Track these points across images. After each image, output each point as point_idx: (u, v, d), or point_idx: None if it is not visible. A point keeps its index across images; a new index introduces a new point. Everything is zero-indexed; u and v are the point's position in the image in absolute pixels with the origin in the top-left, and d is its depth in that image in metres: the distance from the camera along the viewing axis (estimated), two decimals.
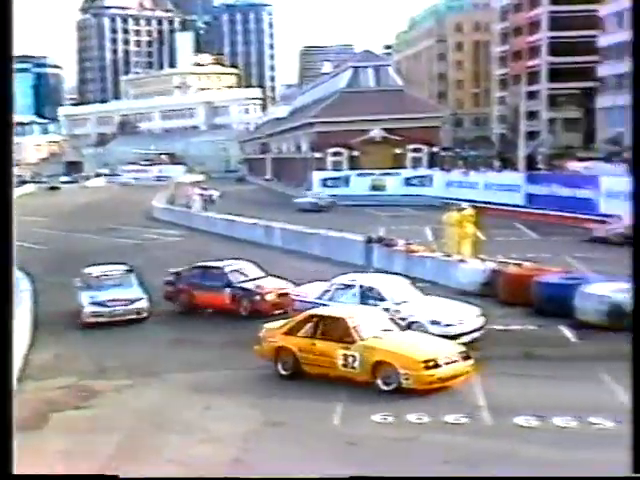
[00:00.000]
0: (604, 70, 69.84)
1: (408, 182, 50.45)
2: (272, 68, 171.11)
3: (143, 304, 18.68)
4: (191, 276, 19.69)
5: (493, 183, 43.48)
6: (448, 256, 22.15)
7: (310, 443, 10.66)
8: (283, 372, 13.52)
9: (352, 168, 55.82)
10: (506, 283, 18.70)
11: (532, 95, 74.74)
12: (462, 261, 21.33)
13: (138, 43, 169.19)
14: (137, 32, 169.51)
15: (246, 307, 18.54)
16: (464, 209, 23.30)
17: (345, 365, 12.81)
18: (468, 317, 15.31)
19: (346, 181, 53.03)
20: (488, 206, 35.78)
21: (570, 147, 67.34)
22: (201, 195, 44.35)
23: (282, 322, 14.40)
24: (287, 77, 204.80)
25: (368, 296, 16.14)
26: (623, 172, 37.38)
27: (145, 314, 18.66)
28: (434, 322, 15.07)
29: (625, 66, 65.72)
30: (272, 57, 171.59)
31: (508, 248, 25.93)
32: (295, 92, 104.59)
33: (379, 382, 12.36)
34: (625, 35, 66.27)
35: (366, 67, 61.41)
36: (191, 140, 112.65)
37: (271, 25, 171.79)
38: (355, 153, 57.74)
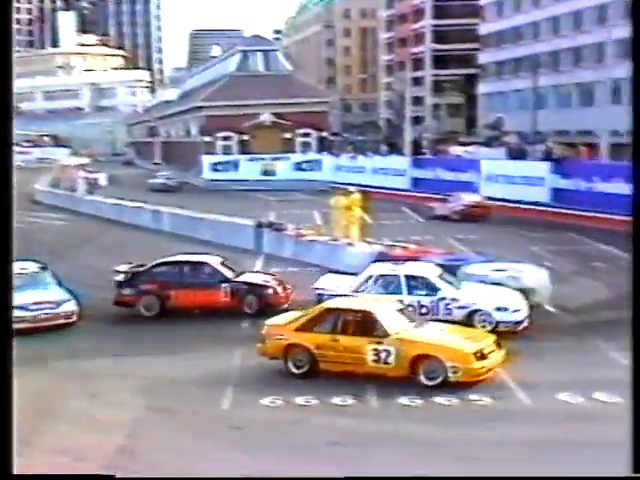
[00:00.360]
0: (485, 57, 72.07)
1: (298, 167, 50.54)
2: (160, 50, 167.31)
3: (71, 307, 16.18)
4: (160, 274, 17.15)
5: (380, 167, 44.15)
6: (336, 240, 22.35)
7: (198, 428, 10.54)
8: (296, 371, 12.44)
9: (242, 152, 55.44)
10: None
11: (417, 81, 76.21)
12: (350, 244, 21.59)
13: (18, 21, 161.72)
14: (17, 9, 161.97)
15: (252, 304, 16.67)
16: (352, 193, 23.54)
17: (377, 360, 11.98)
18: (523, 303, 14.92)
19: (236, 165, 52.61)
20: (375, 190, 36.31)
21: (453, 132, 69.17)
22: (86, 178, 43.03)
23: (286, 318, 13.24)
24: (176, 60, 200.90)
25: (416, 286, 15.12)
26: (502, 156, 38.84)
27: (75, 318, 16.20)
28: (500, 309, 14.56)
29: (504, 53, 68.05)
30: (160, 39, 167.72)
31: (394, 231, 26.46)
32: (184, 75, 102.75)
33: (421, 377, 11.66)
34: (504, 23, 68.60)
35: (255, 51, 61.05)
36: (76, 122, 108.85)
37: (159, 7, 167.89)
38: (245, 137, 57.36)
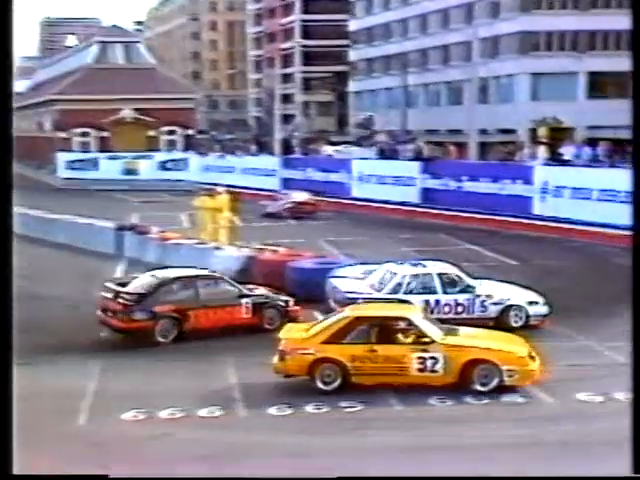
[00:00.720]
0: (355, 54, 73.48)
1: (163, 166, 49.70)
2: None
3: None
4: (172, 292, 15.33)
5: (249, 167, 44.08)
6: (204, 243, 22.14)
7: (52, 445, 10.11)
8: (325, 387, 11.78)
9: (102, 150, 53.92)
10: (261, 269, 19.04)
11: (287, 78, 76.86)
12: (218, 248, 21.43)
13: None
14: None
15: (272, 318, 15.72)
16: (219, 194, 23.38)
17: (422, 369, 11.71)
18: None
19: (95, 164, 51.13)
20: (245, 191, 36.22)
21: (324, 131, 70.05)
22: None
23: (305, 329, 12.47)
24: (26, 48, 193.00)
25: (449, 284, 15.29)
26: (373, 155, 39.64)
27: None
28: (532, 303, 15.36)
29: (374, 51, 69.63)
30: None
31: (265, 234, 26.48)
32: (36, 65, 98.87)
33: (475, 383, 11.60)
34: (373, 20, 70.21)
35: (115, 43, 59.55)
36: None
37: None
38: (105, 134, 55.83)
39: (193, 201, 24.75)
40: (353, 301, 14.65)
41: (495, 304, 15.29)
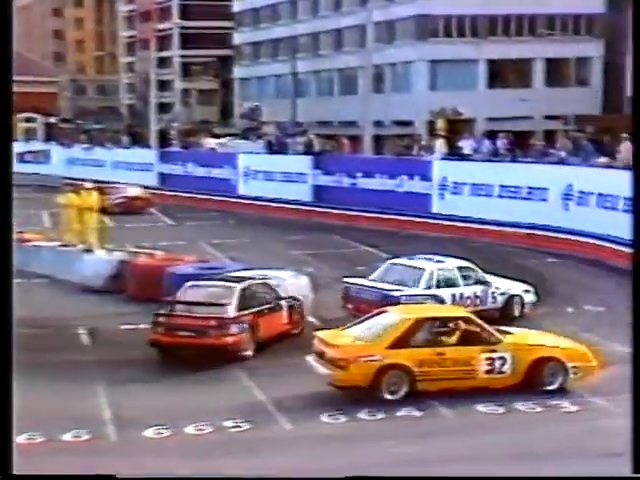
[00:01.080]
0: (240, 38, 73.31)
1: (20, 158, 48.04)
2: None
3: None
4: (249, 298, 14.77)
5: (122, 161, 43.35)
6: (68, 246, 21.64)
7: None
8: (391, 397, 11.78)
9: None
10: (135, 276, 18.77)
11: (164, 62, 75.86)
12: (86, 251, 20.99)
13: None
14: None
15: (298, 323, 15.74)
16: (87, 190, 22.87)
17: (490, 371, 12.04)
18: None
19: None
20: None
21: (206, 122, 69.64)
22: None
23: (340, 335, 12.46)
24: None
25: (467, 277, 16.42)
26: (260, 149, 39.68)
27: None
28: (527, 291, 16.98)
29: (262, 34, 69.68)
30: None
31: (140, 236, 26.13)
32: None
33: (546, 383, 12.14)
34: (260, 0, 70.22)
35: None
36: None
37: None
38: None
39: (57, 198, 24.11)
40: (391, 300, 14.98)
41: (502, 294, 16.63)
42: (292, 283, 16.97)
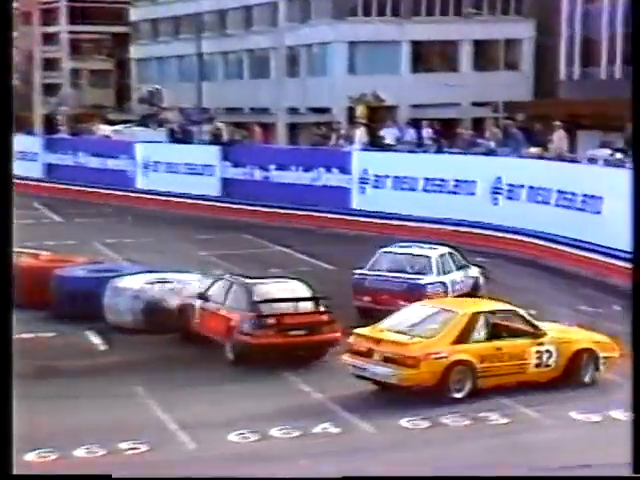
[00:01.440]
0: (137, 13, 72.52)
1: None
2: None
3: None
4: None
5: None
6: None
7: None
8: (458, 395, 12.46)
9: None
10: (17, 279, 18.32)
11: (50, 38, 74.33)
12: None
13: None
14: None
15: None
16: None
17: (539, 365, 12.97)
18: None
19: None
20: None
21: (99, 106, 68.67)
22: None
23: (409, 330, 12.87)
24: None
25: (455, 262, 17.98)
26: (162, 138, 39.33)
27: None
28: (482, 274, 18.81)
29: (162, 10, 69.02)
30: None
31: (23, 234, 25.47)
32: None
33: (583, 374, 13.13)
34: None
35: None
36: None
37: None
38: None
39: None
40: (417, 289, 16.49)
41: (471, 278, 18.24)
42: (198, 287, 16.91)
